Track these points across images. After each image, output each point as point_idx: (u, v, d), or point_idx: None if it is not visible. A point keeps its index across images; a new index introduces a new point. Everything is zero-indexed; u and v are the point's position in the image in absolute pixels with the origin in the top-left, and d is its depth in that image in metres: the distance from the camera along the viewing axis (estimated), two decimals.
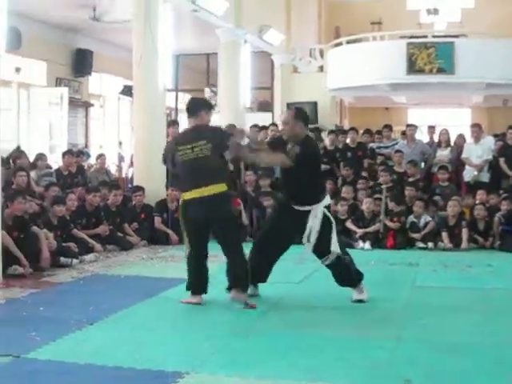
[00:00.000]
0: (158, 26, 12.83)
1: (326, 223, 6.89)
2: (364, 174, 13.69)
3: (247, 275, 6.91)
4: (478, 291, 7.96)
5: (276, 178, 13.71)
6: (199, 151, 6.79)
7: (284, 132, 7.31)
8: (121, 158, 18.25)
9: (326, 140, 15.15)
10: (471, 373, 4.88)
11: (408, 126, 14.97)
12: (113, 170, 16.40)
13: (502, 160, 13.04)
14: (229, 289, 7.02)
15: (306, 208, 6.91)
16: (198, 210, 6.78)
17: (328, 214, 6.96)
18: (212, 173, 6.82)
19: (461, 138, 14.69)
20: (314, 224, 6.87)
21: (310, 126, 18.56)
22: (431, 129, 15.51)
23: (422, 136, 17.25)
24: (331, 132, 15.65)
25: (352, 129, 15.02)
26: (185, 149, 6.84)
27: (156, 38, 12.70)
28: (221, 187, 6.83)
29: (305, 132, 7.12)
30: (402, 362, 5.12)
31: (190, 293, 7.06)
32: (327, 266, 7.05)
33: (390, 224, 11.64)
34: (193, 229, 6.95)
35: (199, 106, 7.16)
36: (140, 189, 12.14)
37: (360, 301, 7.08)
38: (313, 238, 6.87)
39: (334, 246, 6.88)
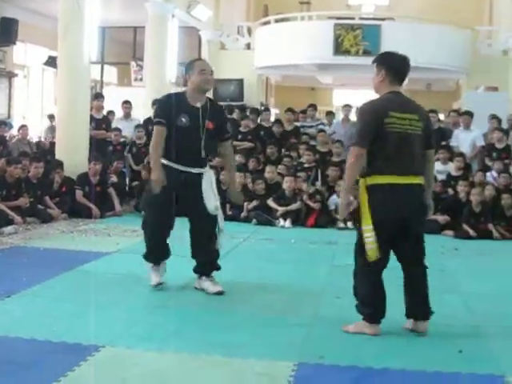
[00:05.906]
0: None
1: None
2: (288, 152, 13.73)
3: None
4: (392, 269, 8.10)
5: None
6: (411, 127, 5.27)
7: None
8: (51, 129, 17.42)
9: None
10: (386, 351, 5.00)
11: (344, 106, 15.16)
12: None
13: None
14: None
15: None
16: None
17: None
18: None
19: None
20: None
21: (236, 103, 18.84)
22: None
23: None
24: (254, 110, 15.64)
25: (289, 110, 15.00)
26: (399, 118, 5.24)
27: (83, 9, 12.52)
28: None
29: None
30: (318, 339, 5.22)
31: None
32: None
33: (311, 204, 11.78)
34: None
35: None
36: (59, 165, 12.02)
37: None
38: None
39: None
